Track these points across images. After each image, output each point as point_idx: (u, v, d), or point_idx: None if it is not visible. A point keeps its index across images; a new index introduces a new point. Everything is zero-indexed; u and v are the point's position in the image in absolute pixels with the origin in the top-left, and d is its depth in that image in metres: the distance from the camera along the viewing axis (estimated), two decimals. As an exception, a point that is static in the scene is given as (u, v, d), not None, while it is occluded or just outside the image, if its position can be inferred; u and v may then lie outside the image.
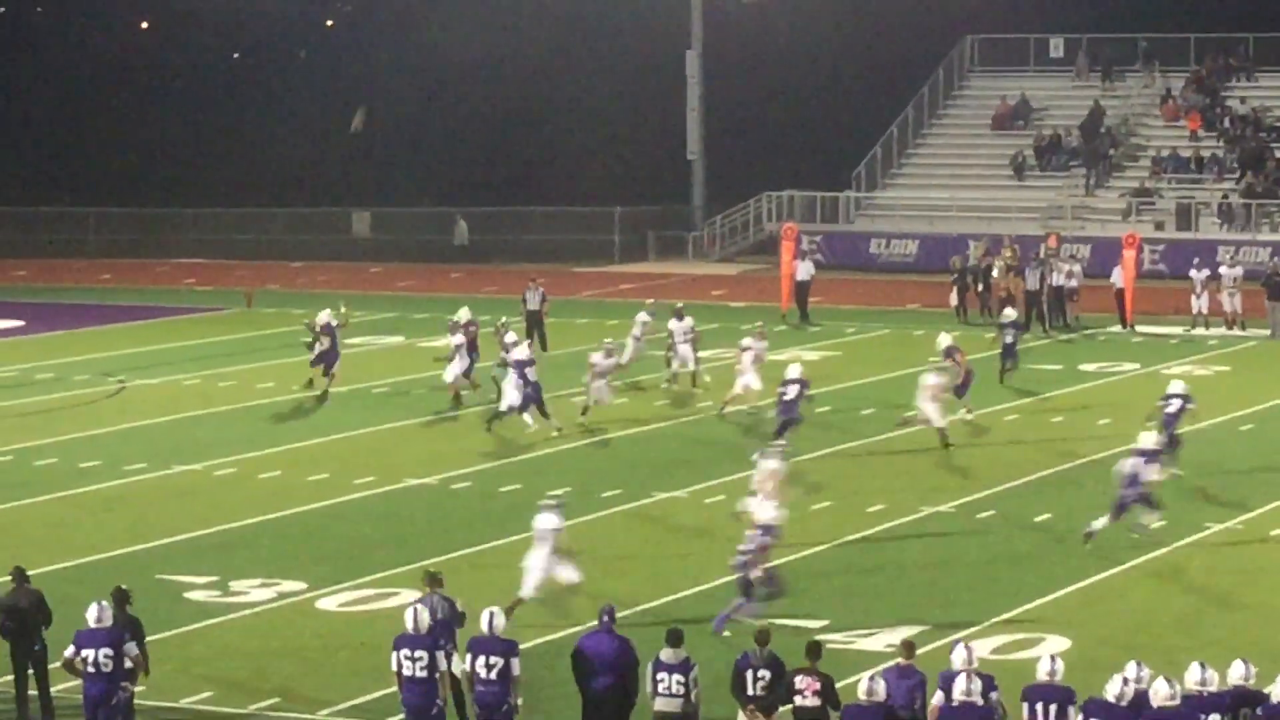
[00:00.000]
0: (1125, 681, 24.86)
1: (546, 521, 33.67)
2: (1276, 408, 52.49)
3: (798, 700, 25.90)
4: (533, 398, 48.76)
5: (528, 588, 33.05)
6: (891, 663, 26.42)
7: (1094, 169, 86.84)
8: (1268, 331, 64.70)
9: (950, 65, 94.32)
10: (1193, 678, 24.81)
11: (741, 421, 50.20)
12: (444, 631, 28.08)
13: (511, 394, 48.91)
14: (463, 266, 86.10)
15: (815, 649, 26.70)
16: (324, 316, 54.46)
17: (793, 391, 46.51)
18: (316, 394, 53.88)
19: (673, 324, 55.47)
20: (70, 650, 27.79)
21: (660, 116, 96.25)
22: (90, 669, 27.51)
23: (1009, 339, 54.39)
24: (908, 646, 26.57)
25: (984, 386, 51.21)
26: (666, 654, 26.81)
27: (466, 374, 53.22)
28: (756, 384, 50.92)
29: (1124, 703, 24.54)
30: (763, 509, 34.20)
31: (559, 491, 38.84)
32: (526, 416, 48.69)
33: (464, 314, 54.35)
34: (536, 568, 33.23)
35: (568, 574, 33.55)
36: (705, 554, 37.98)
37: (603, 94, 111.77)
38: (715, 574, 35.63)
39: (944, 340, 50.30)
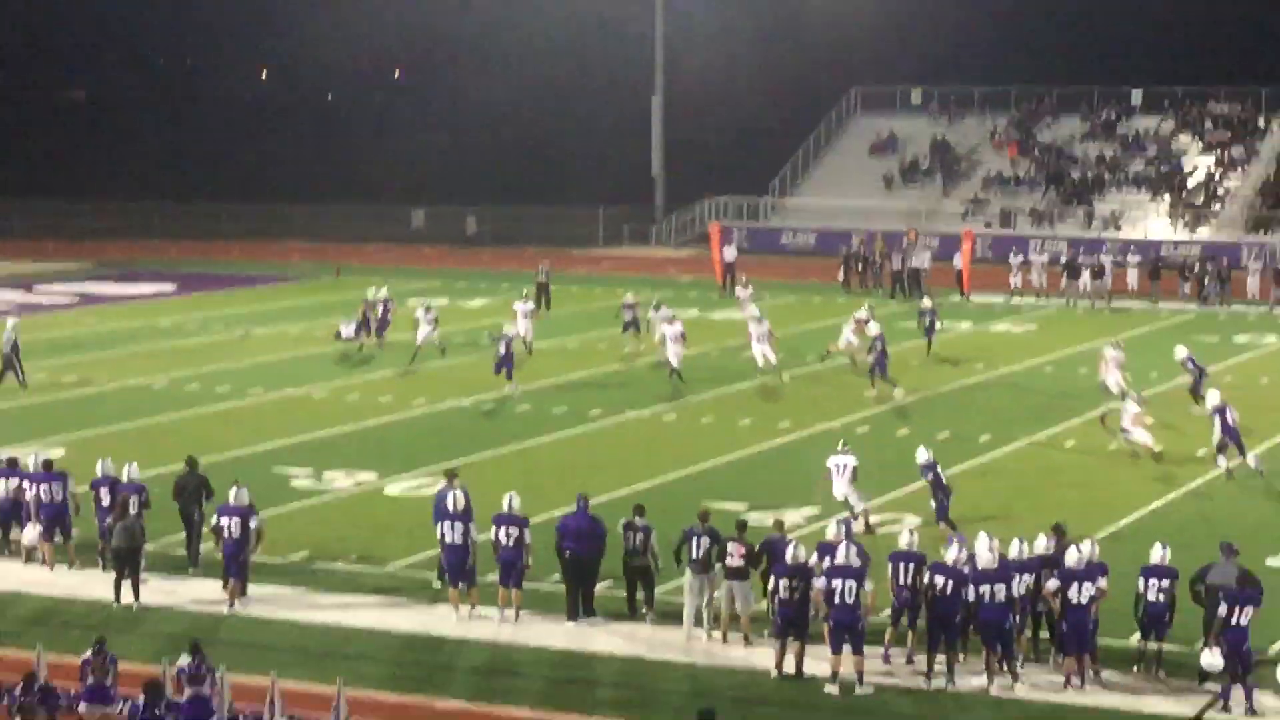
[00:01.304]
0: (960, 548, 24.95)
1: None
2: (1070, 354, 52.55)
3: (729, 561, 25.99)
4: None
5: None
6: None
7: (943, 183, 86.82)
8: (1064, 301, 64.78)
9: (841, 108, 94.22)
10: (987, 547, 24.72)
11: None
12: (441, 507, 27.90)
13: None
14: (489, 249, 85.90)
15: (742, 525, 26.86)
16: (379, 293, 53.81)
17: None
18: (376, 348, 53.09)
19: (656, 319, 50.63)
20: (214, 519, 27.89)
21: (632, 143, 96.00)
22: (226, 534, 27.60)
23: (928, 322, 51.20)
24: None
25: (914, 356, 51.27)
26: (638, 520, 27.21)
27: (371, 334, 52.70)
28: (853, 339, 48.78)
29: (960, 565, 24.63)
30: None
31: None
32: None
33: (381, 292, 53.88)
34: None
35: None
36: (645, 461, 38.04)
37: (592, 126, 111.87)
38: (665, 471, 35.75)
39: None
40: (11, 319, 49.22)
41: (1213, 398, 37.22)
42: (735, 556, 25.88)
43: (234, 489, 28.02)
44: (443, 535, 27.13)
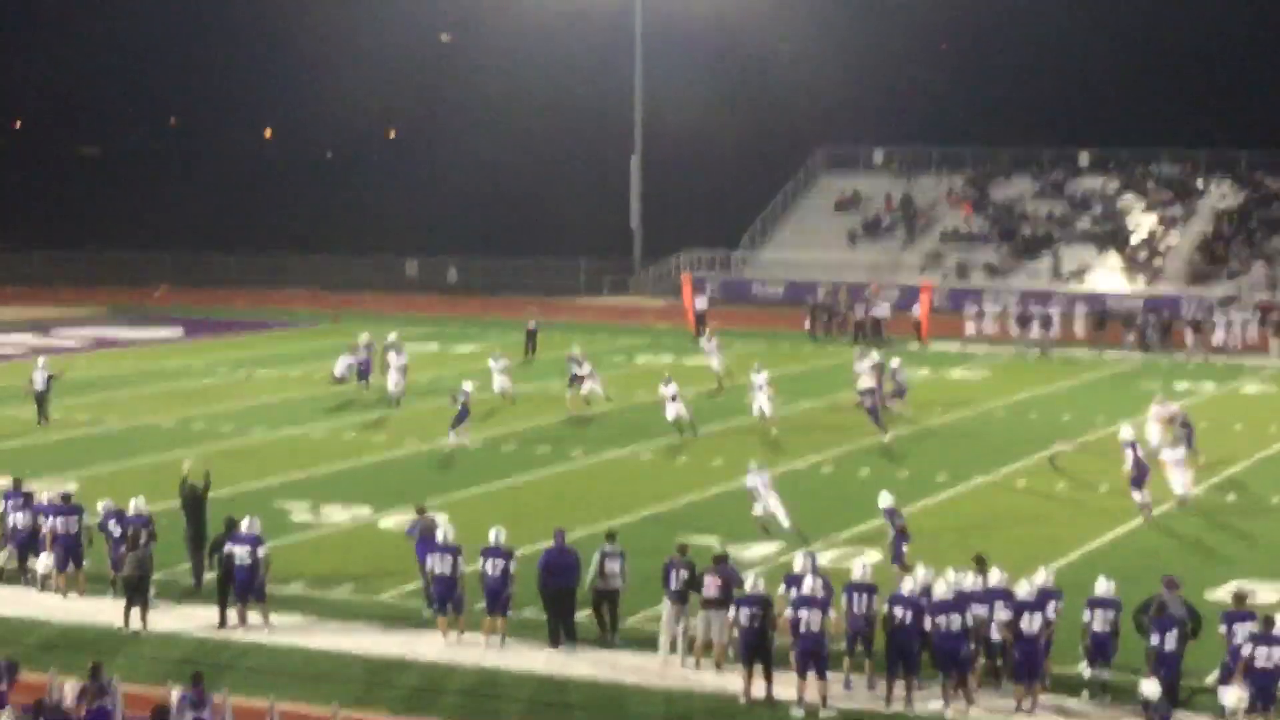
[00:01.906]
0: (915, 581, 24.97)
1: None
2: (1021, 399, 52.62)
3: (705, 592, 26.00)
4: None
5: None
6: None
7: (903, 238, 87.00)
8: (1015, 349, 64.88)
9: (807, 167, 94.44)
10: (965, 580, 24.91)
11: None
12: (428, 539, 28.31)
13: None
14: (478, 298, 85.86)
15: (719, 558, 26.90)
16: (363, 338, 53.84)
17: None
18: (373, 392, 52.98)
19: (572, 356, 50.52)
20: (225, 548, 27.85)
21: (612, 198, 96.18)
22: (237, 562, 27.54)
23: (899, 379, 48.93)
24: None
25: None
26: (608, 547, 27.24)
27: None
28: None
29: (917, 597, 24.63)
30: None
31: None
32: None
33: (364, 336, 54.02)
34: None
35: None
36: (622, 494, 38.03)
37: (574, 183, 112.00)
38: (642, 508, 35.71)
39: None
40: (41, 358, 49.47)
41: (1125, 432, 37.12)
42: (712, 588, 25.86)
43: (246, 519, 28.13)
44: (432, 566, 27.15)
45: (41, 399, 47.12)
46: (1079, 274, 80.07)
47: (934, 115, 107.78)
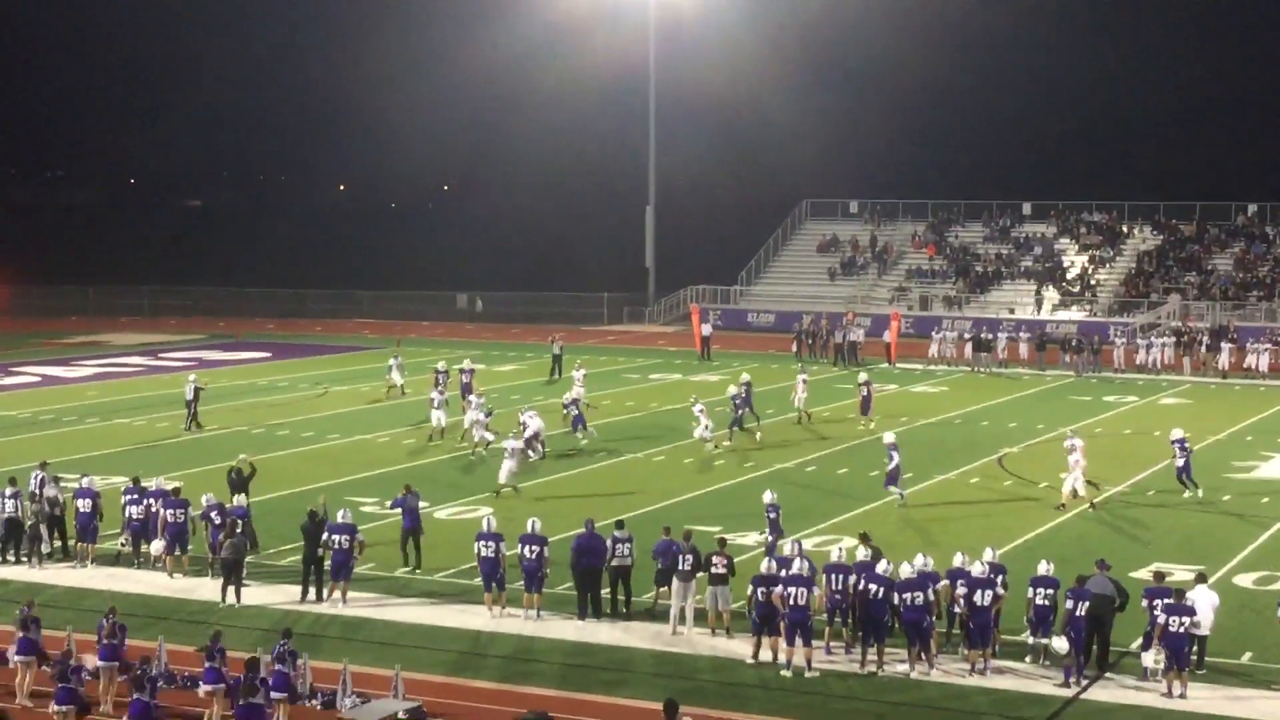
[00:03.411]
0: (887, 564, 24.94)
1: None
2: (974, 410, 52.50)
3: (713, 570, 26.00)
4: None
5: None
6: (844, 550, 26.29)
7: (875, 274, 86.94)
8: (968, 368, 64.78)
9: (794, 215, 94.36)
10: (919, 563, 24.86)
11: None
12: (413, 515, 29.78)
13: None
14: (517, 325, 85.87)
15: (722, 541, 26.97)
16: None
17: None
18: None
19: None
20: (325, 534, 27.86)
21: (630, 242, 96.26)
22: (335, 547, 27.54)
23: (865, 393, 47.92)
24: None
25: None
26: (618, 533, 27.24)
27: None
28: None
29: (885, 574, 24.60)
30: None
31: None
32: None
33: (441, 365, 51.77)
34: None
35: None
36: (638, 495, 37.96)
37: (598, 229, 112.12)
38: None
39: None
40: (193, 374, 49.74)
41: (1175, 432, 37.52)
42: (718, 566, 25.88)
43: (341, 511, 28.18)
44: (479, 550, 27.09)
45: (190, 407, 47.34)
46: (1022, 305, 79.92)
47: (901, 171, 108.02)
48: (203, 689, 21.52)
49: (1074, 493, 35.67)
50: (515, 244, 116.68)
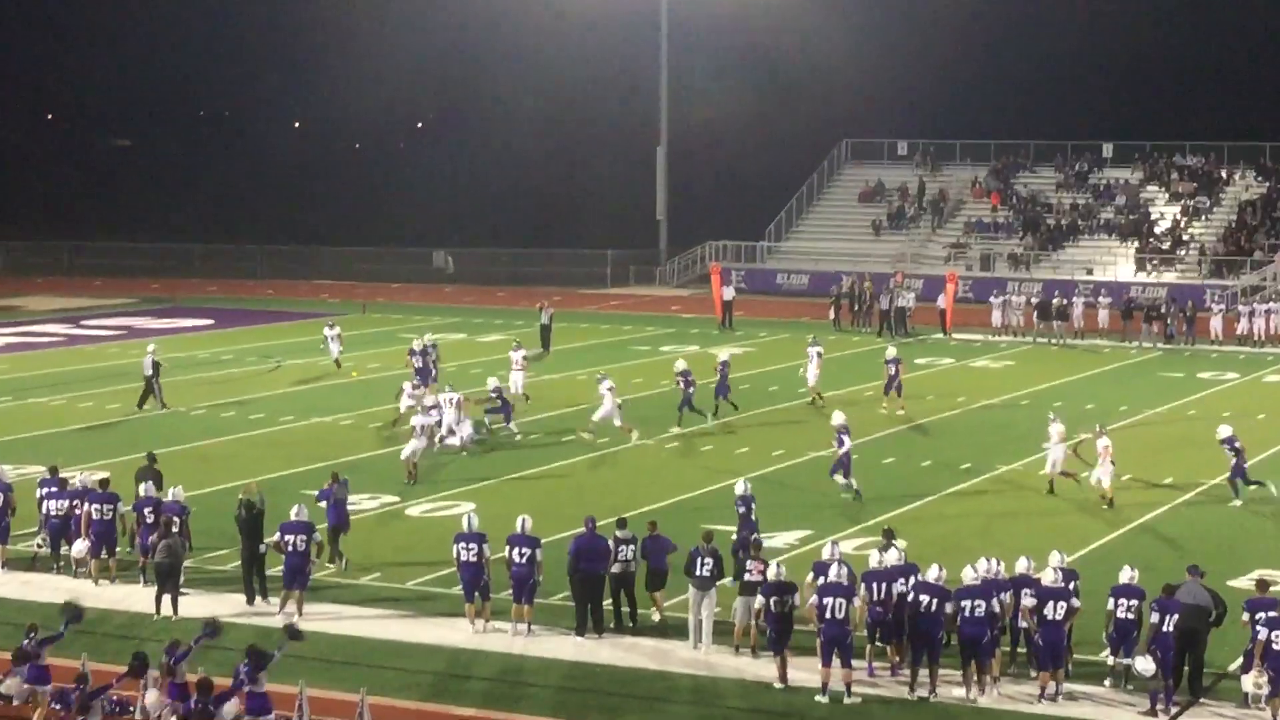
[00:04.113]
0: (940, 569, 24.92)
1: None
2: (1045, 389, 52.51)
3: (747, 577, 26.05)
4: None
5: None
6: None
7: (928, 228, 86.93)
8: (1040, 339, 64.75)
9: (831, 158, 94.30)
10: (984, 567, 24.87)
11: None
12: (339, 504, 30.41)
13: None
14: (505, 289, 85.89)
15: (758, 544, 27.01)
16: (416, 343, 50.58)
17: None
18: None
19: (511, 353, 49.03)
20: (276, 535, 27.92)
21: (638, 190, 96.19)
22: (289, 550, 27.63)
23: (892, 371, 47.68)
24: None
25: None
26: (622, 533, 27.46)
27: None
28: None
29: (942, 583, 24.61)
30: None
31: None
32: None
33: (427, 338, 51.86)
34: None
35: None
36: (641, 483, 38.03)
37: (600, 175, 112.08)
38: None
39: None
40: (151, 344, 49.91)
41: (1222, 430, 37.29)
42: (754, 573, 25.89)
43: (295, 507, 28.27)
44: (459, 554, 27.13)
45: (150, 383, 47.66)
46: (1102, 265, 79.84)
47: (959, 107, 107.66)
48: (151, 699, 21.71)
49: (1099, 483, 36.00)
50: (502, 192, 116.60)
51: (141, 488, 30.22)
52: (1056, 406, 38.00)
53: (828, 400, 48.24)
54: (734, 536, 28.92)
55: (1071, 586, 24.68)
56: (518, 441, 43.06)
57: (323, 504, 30.68)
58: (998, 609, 24.24)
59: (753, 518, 29.97)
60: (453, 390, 43.19)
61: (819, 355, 49.17)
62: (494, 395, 43.87)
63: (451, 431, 41.82)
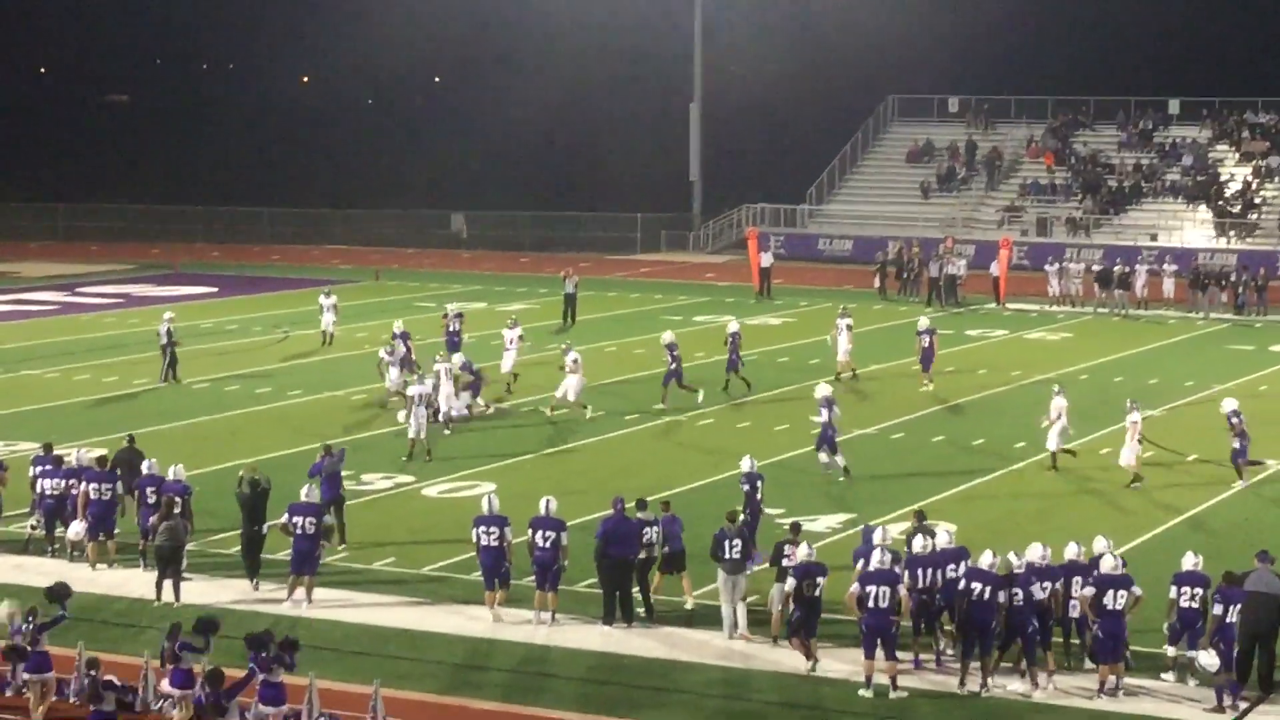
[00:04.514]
0: (994, 554, 24.89)
1: None
2: (1105, 363, 52.42)
3: (785, 562, 26.07)
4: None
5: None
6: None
7: (980, 191, 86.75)
8: (1100, 309, 64.60)
9: (877, 116, 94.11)
10: (1035, 554, 24.82)
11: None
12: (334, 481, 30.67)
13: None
14: (527, 254, 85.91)
15: (796, 527, 27.05)
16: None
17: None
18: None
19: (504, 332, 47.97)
20: (284, 517, 28.00)
21: (671, 149, 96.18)
22: (298, 532, 27.70)
23: (926, 343, 47.86)
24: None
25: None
26: (645, 514, 27.58)
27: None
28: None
29: (994, 569, 24.57)
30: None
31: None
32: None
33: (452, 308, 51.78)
34: None
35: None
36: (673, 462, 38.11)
37: (630, 132, 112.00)
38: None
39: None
40: (168, 312, 49.82)
41: (1227, 404, 37.14)
42: (792, 558, 25.89)
43: (305, 488, 28.34)
44: (478, 538, 27.15)
45: (166, 352, 47.82)
46: (1167, 229, 79.60)
47: (1013, 60, 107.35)
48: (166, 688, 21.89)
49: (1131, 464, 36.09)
50: (525, 151, 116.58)
51: (144, 466, 30.31)
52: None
53: (876, 376, 48.17)
54: (741, 517, 28.78)
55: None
56: (489, 415, 43.12)
57: (314, 479, 30.82)
58: (1040, 596, 24.24)
59: (758, 497, 30.09)
60: (444, 361, 42.89)
61: (848, 328, 49.02)
62: (464, 370, 43.69)
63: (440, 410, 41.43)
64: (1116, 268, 66.19)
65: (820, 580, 24.92)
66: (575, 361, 43.17)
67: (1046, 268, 67.73)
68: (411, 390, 39.49)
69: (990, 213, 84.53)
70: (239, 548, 29.31)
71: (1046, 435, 37.82)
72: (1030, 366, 51.32)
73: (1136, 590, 24.21)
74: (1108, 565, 24.43)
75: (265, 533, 28.80)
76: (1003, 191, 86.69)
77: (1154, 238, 78.35)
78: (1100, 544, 25.26)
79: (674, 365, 44.35)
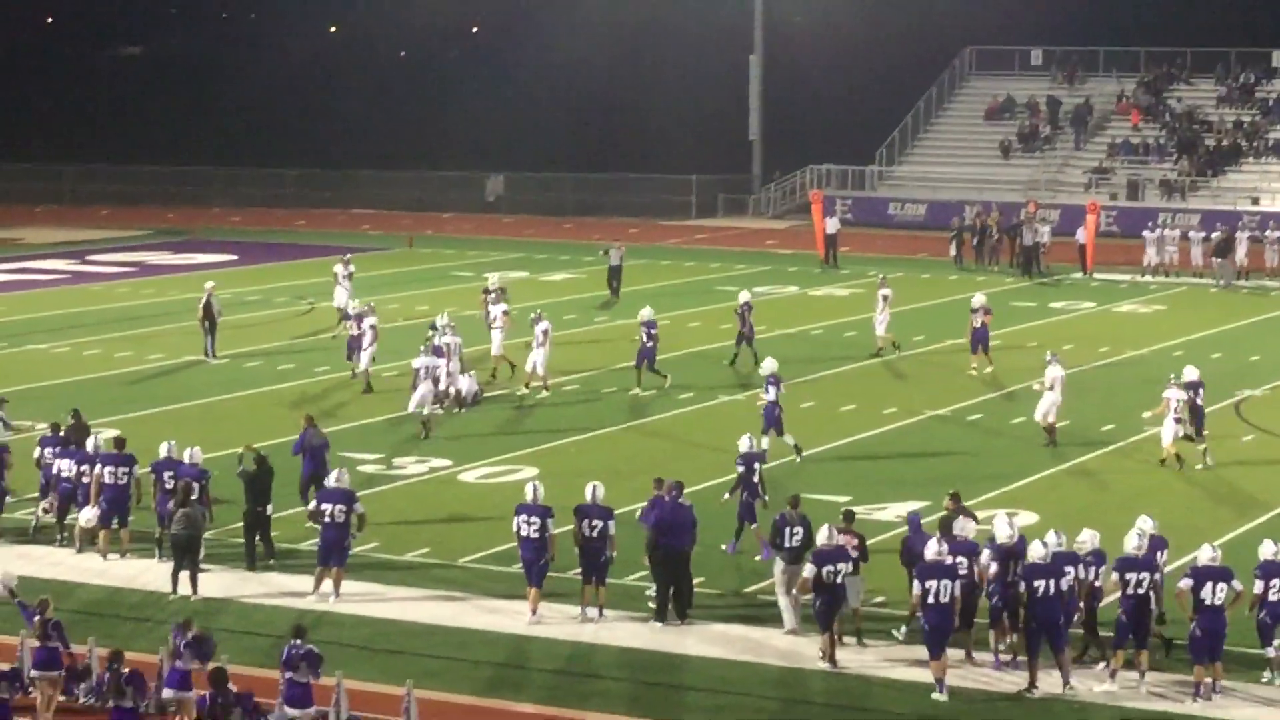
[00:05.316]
0: (1046, 545, 24.72)
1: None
2: (1202, 338, 52.18)
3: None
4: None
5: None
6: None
7: (1065, 151, 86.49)
8: (1200, 280, 64.31)
9: (953, 69, 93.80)
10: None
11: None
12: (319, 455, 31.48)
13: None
14: (572, 219, 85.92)
15: (850, 515, 27.04)
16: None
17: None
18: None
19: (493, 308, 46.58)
20: (314, 503, 28.12)
21: (729, 106, 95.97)
22: (327, 520, 27.82)
23: (978, 323, 46.60)
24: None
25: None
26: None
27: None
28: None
29: (1049, 560, 24.47)
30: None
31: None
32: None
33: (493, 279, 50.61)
34: None
35: None
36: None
37: (686, 87, 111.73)
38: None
39: None
40: (209, 282, 49.49)
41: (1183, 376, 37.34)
42: (848, 548, 25.92)
43: (335, 472, 28.50)
44: (519, 528, 27.16)
45: (206, 325, 47.89)
46: (1271, 193, 79.23)
47: (1101, 8, 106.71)
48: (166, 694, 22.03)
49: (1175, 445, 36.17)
50: (569, 108, 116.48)
51: (162, 448, 30.41)
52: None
53: (949, 351, 48.13)
54: (736, 497, 29.53)
55: (1160, 557, 24.83)
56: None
57: (298, 455, 31.00)
58: (1069, 586, 24.33)
59: (755, 480, 30.20)
60: (455, 334, 42.79)
61: (885, 299, 48.64)
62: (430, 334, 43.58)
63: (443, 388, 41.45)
64: (1215, 234, 65.84)
65: (842, 566, 25.04)
66: (545, 333, 43.25)
67: (1146, 234, 67.33)
68: (416, 363, 39.62)
69: (1076, 175, 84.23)
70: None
71: (1041, 409, 38.12)
72: (1120, 342, 51.17)
73: (1237, 584, 24.10)
74: (1205, 556, 24.35)
75: (270, 514, 29.00)
76: (1090, 151, 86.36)
77: (1255, 201, 77.94)
78: (1145, 523, 25.25)
79: (650, 344, 44.00)
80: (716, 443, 38.27)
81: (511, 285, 54.71)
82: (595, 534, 26.92)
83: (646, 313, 44.80)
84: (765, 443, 34.76)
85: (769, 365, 37.30)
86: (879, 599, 27.06)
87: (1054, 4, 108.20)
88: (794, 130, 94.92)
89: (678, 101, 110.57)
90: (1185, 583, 24.20)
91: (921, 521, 26.72)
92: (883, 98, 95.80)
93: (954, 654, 24.62)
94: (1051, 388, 37.91)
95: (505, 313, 46.00)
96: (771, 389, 36.42)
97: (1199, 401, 36.88)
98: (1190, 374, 37.32)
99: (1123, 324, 55.40)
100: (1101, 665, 24.65)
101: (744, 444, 30.71)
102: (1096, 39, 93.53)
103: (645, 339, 43.98)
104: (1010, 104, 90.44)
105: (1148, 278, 65.02)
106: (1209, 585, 23.98)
